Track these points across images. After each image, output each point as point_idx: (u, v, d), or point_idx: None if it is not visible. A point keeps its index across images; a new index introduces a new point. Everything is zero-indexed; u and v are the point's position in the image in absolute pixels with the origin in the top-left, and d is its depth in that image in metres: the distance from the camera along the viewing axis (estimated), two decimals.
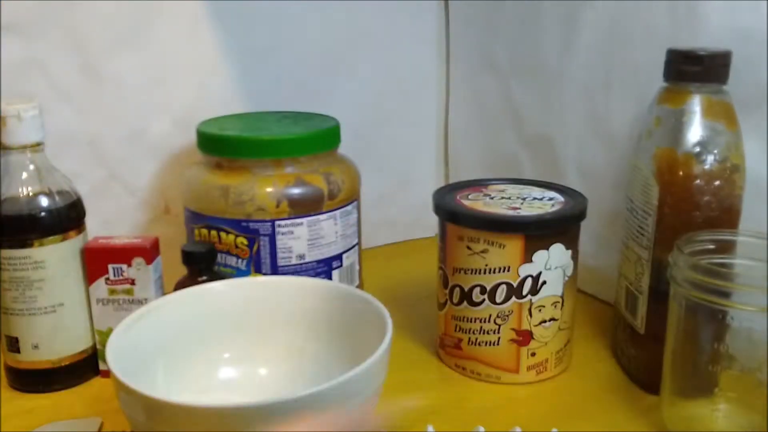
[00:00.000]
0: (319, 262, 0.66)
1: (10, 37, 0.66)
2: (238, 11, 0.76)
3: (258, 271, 0.64)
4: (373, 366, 0.45)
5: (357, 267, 0.71)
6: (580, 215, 0.58)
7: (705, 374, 0.49)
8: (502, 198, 0.61)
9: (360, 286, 0.72)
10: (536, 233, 0.56)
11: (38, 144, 0.57)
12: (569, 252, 0.58)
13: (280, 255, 0.64)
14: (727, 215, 0.53)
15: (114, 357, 0.46)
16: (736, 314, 0.46)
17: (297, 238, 0.64)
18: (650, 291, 0.56)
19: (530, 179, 0.66)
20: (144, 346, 0.51)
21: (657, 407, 0.54)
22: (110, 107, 0.72)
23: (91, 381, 0.61)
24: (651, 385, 0.56)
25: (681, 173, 0.53)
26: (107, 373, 0.59)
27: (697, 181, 0.52)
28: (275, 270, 0.64)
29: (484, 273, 0.57)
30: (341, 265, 0.68)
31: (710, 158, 0.52)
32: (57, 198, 0.57)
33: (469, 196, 0.61)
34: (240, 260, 0.64)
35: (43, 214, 0.56)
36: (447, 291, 0.60)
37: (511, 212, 0.57)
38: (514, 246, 0.56)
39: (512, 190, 0.63)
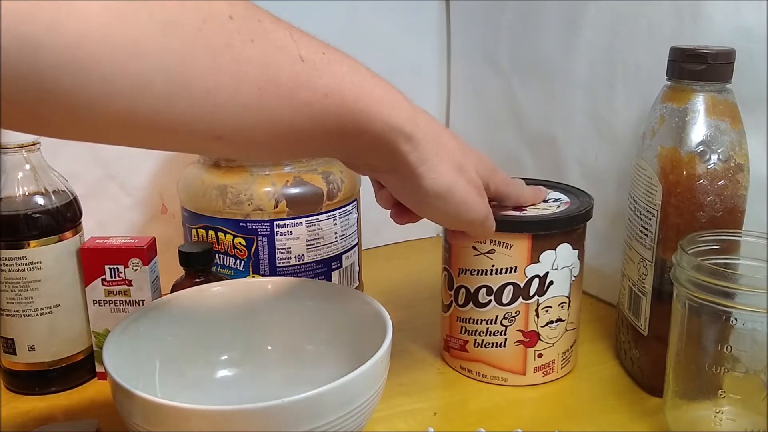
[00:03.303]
0: (318, 262, 0.65)
1: None
2: None
3: (256, 272, 0.64)
4: (373, 368, 0.45)
5: (357, 268, 0.71)
6: (587, 215, 0.58)
7: (709, 376, 0.48)
8: None
9: (360, 287, 0.72)
10: (543, 233, 0.55)
11: (34, 143, 0.56)
12: (576, 252, 0.57)
13: (278, 255, 0.63)
14: (730, 215, 0.53)
15: (110, 359, 0.46)
16: (739, 315, 0.46)
17: (296, 239, 0.63)
18: (654, 292, 0.56)
19: (534, 179, 0.66)
20: (141, 347, 0.51)
21: (660, 409, 0.54)
22: None
23: (87, 383, 0.61)
24: (654, 386, 0.56)
25: (685, 173, 0.52)
26: (104, 375, 0.59)
27: (701, 181, 0.52)
28: (274, 271, 0.64)
29: (491, 274, 0.56)
30: (341, 266, 0.67)
31: (714, 157, 0.52)
32: (53, 198, 0.57)
33: None
34: (238, 261, 0.64)
35: (39, 214, 0.56)
36: (452, 292, 0.60)
37: (517, 212, 0.56)
38: (521, 246, 0.55)
39: None
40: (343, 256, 0.67)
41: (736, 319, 0.46)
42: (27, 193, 0.56)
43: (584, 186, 0.67)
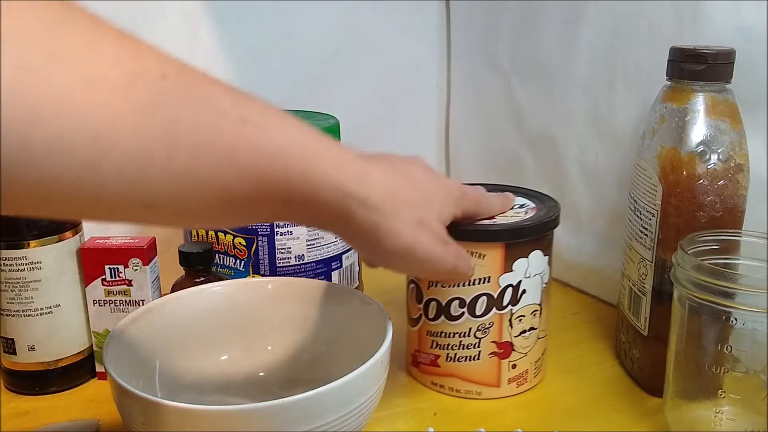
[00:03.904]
0: (318, 262, 0.65)
1: None
2: (236, 9, 0.76)
3: (256, 272, 0.64)
4: (373, 368, 0.45)
5: (357, 268, 0.71)
6: (557, 220, 0.56)
7: (709, 376, 0.48)
8: None
9: (360, 287, 0.72)
10: (516, 241, 0.54)
11: None
12: (546, 258, 0.56)
13: (278, 255, 0.63)
14: (730, 215, 0.53)
15: (111, 359, 0.46)
16: (739, 315, 0.46)
17: (296, 239, 0.63)
18: (654, 292, 0.55)
19: (494, 184, 0.62)
20: (141, 347, 0.51)
21: (660, 409, 0.54)
22: None
23: (87, 383, 0.61)
24: (654, 387, 0.56)
25: (685, 173, 0.52)
26: (104, 375, 0.59)
27: (701, 181, 0.52)
28: (274, 271, 0.64)
29: (463, 285, 0.55)
30: (341, 266, 0.67)
31: (714, 158, 0.52)
32: None
33: None
34: (238, 261, 0.64)
35: None
36: (421, 306, 0.58)
37: (487, 221, 0.55)
38: (494, 256, 0.54)
39: None
40: (343, 256, 0.67)
41: (736, 319, 0.46)
42: None
43: (584, 186, 0.67)
